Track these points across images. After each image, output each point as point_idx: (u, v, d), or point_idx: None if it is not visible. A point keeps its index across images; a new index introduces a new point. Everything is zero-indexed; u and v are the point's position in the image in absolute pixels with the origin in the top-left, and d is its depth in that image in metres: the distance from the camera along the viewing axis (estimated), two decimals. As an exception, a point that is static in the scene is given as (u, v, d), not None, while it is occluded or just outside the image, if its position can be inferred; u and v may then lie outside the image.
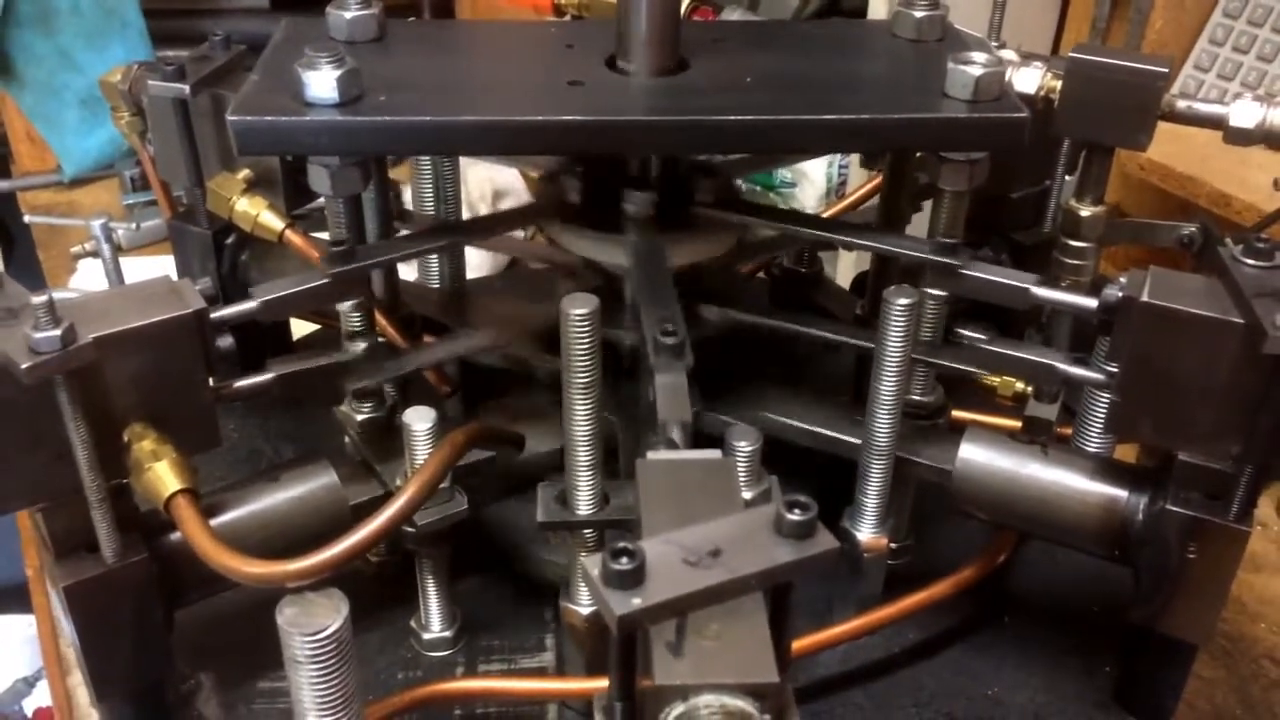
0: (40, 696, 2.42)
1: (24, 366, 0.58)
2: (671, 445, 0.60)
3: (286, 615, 0.58)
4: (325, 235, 0.86)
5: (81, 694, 1.18)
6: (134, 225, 1.55)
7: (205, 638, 0.79)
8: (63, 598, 0.66)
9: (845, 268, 1.30)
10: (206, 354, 0.68)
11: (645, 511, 0.54)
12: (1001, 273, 0.76)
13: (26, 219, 1.70)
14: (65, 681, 1.28)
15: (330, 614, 0.58)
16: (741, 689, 0.45)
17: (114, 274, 1.36)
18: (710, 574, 0.48)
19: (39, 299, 0.59)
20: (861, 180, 1.43)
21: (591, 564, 0.47)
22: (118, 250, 1.60)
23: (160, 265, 1.32)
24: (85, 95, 1.86)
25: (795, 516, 0.49)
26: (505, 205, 1.74)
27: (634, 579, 0.46)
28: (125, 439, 0.66)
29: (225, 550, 0.61)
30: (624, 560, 0.46)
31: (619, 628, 0.46)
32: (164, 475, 0.64)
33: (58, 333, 0.59)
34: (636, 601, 0.46)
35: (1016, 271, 0.76)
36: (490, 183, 1.61)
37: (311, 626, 0.57)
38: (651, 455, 0.57)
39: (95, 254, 1.58)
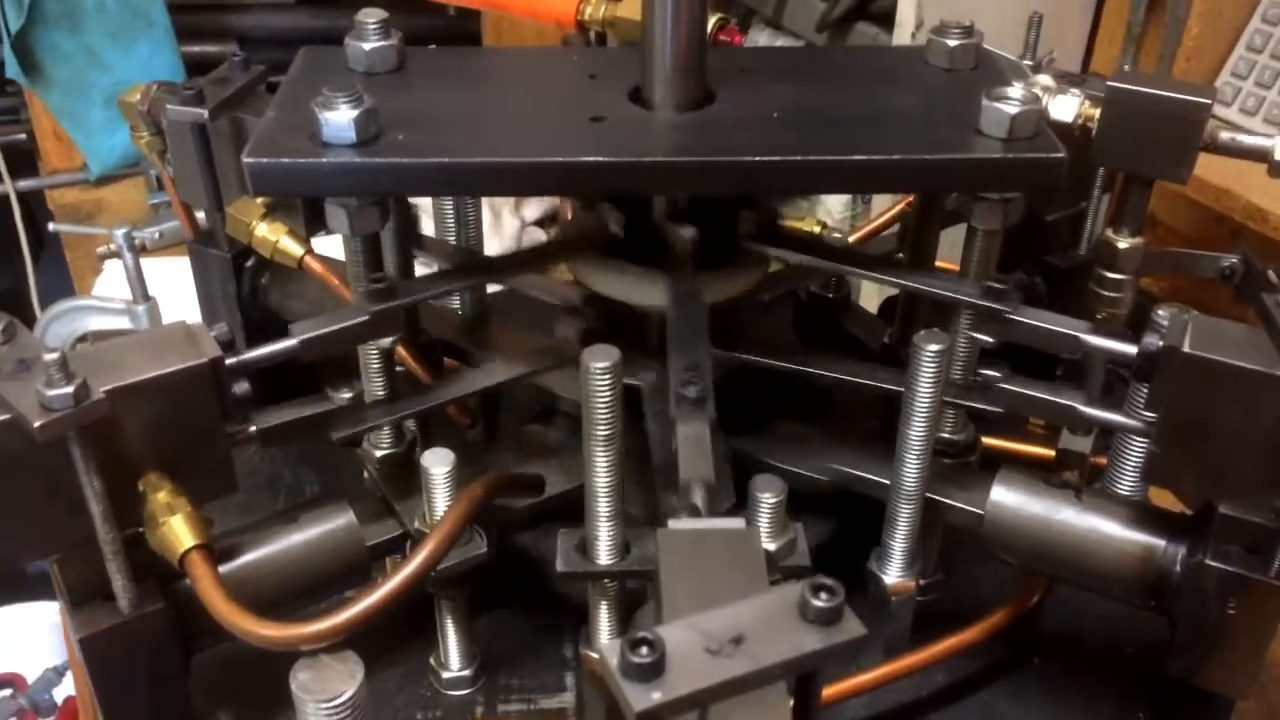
0: (70, 685, 2.44)
1: (37, 425, 0.57)
2: (693, 510, 0.58)
3: (300, 680, 0.57)
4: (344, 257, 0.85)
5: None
6: (157, 232, 1.55)
7: (224, 675, 0.78)
8: (79, 649, 0.66)
9: (871, 288, 1.28)
10: (222, 401, 0.67)
11: (666, 586, 0.53)
12: (1052, 319, 0.73)
13: (52, 227, 1.70)
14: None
15: (345, 679, 0.57)
16: (764, 790, 0.44)
17: (136, 283, 1.37)
18: (733, 664, 0.46)
19: (50, 355, 0.58)
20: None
21: (610, 653, 0.46)
22: (143, 251, 1.60)
23: (181, 266, 1.32)
24: (111, 94, 1.85)
25: (821, 602, 0.47)
26: (528, 209, 1.74)
27: (653, 671, 0.45)
28: (141, 488, 0.65)
29: (239, 611, 0.60)
30: (643, 651, 0.45)
31: (638, 724, 0.44)
32: (178, 530, 0.63)
33: (70, 389, 0.58)
34: (656, 696, 0.44)
35: (1066, 318, 0.73)
36: (514, 187, 1.60)
37: (326, 693, 0.56)
38: (673, 524, 0.55)
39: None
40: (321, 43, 0.87)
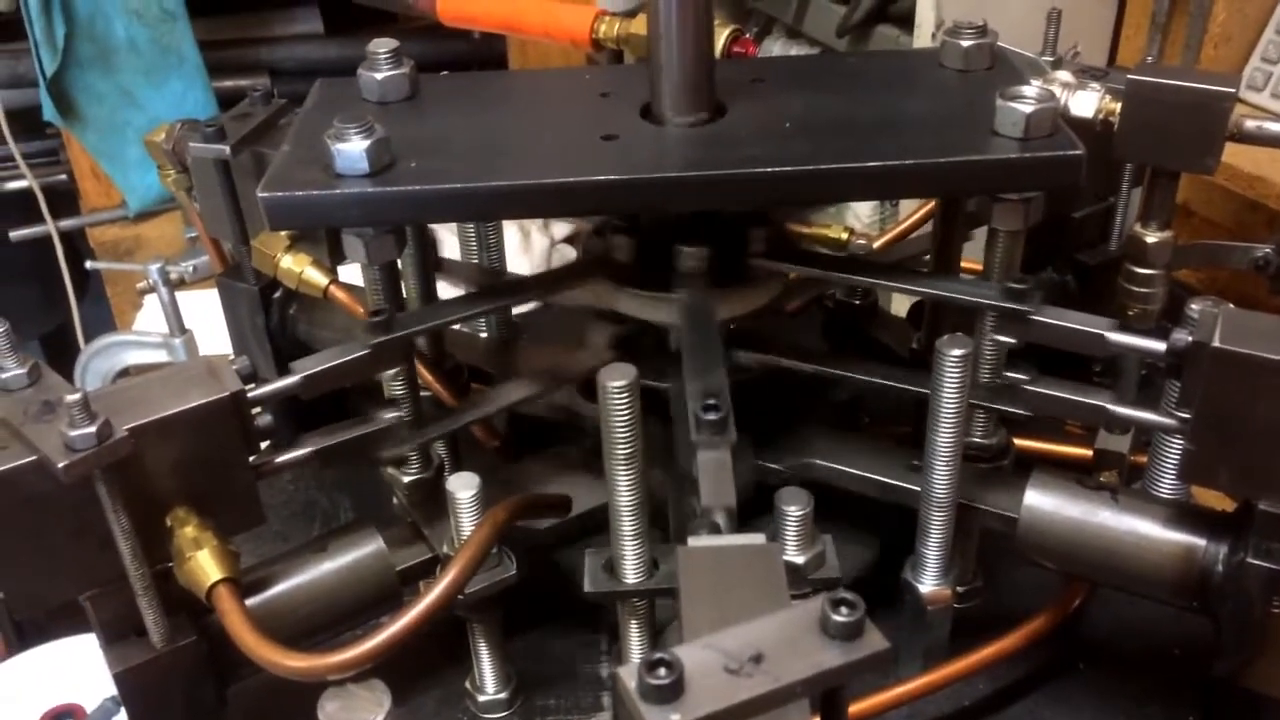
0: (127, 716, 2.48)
1: (61, 466, 0.58)
2: (714, 528, 0.58)
3: (328, 711, 0.57)
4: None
5: None
6: (191, 266, 1.57)
7: (265, 703, 0.78)
8: (115, 684, 0.66)
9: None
10: (246, 434, 0.67)
11: (686, 604, 0.52)
12: (1075, 318, 0.72)
13: (89, 266, 1.73)
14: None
15: (373, 708, 0.57)
16: (787, 813, 0.43)
17: (173, 316, 1.38)
18: (753, 682, 0.45)
19: (73, 396, 0.59)
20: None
21: (628, 675, 0.45)
22: (180, 285, 1.63)
23: (217, 298, 1.33)
24: (146, 131, 1.89)
25: (842, 617, 0.47)
26: (557, 227, 1.74)
27: (672, 692, 0.44)
28: (168, 523, 0.66)
29: (265, 643, 0.61)
30: (662, 673, 0.45)
31: (657, 747, 0.44)
32: (205, 565, 0.64)
33: (93, 429, 0.59)
34: (675, 718, 0.44)
35: (1090, 316, 0.72)
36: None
37: (353, 722, 0.56)
38: (693, 541, 0.55)
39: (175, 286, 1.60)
40: (351, 72, 0.87)
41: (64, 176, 2.04)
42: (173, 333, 1.33)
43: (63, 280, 2.10)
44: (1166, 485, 0.79)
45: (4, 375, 0.64)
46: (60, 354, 2.72)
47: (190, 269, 1.58)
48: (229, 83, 2.03)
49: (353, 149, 0.69)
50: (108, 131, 1.87)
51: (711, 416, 0.61)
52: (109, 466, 0.60)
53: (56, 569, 0.64)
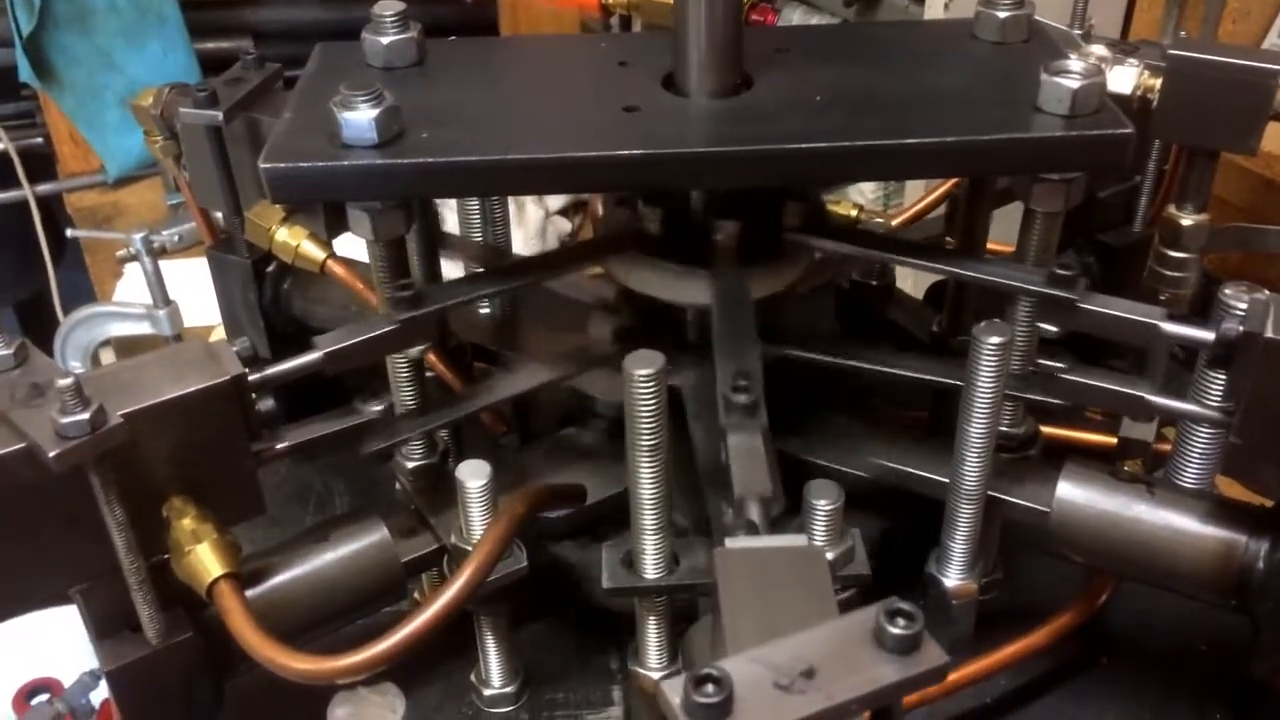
0: (106, 689, 2.44)
1: (52, 455, 0.54)
2: (750, 527, 0.55)
3: (338, 716, 0.54)
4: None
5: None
6: (176, 235, 1.52)
7: (262, 699, 0.75)
8: (108, 681, 0.63)
9: (908, 271, 1.23)
10: (247, 420, 0.63)
11: (727, 611, 0.49)
12: (1124, 306, 0.68)
13: (70, 233, 1.68)
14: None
15: (385, 714, 0.54)
16: (848, 842, 0.40)
17: (157, 287, 1.34)
18: (805, 700, 0.43)
19: (64, 381, 0.55)
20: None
21: (672, 691, 0.42)
22: (162, 254, 1.57)
23: (202, 267, 1.29)
24: (125, 95, 1.83)
25: (899, 629, 0.44)
26: (551, 199, 1.70)
27: (721, 711, 0.42)
28: (165, 514, 0.62)
29: (271, 644, 0.57)
30: (710, 689, 0.42)
31: (705, 772, 0.41)
32: (205, 559, 0.60)
33: (86, 416, 0.55)
34: (724, 739, 0.41)
35: (1140, 305, 0.69)
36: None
37: (366, 730, 0.53)
38: (730, 543, 0.52)
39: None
40: (338, 35, 0.83)
41: (40, 140, 1.98)
42: (156, 304, 1.28)
43: (39, 247, 2.04)
44: (1192, 476, 0.77)
45: (-11, 356, 0.60)
46: (36, 322, 2.66)
47: (175, 237, 1.53)
48: (210, 45, 1.97)
49: (360, 118, 0.65)
50: (85, 94, 1.81)
51: (742, 399, 0.57)
52: (102, 455, 0.56)
53: (46, 562, 0.60)
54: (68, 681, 2.46)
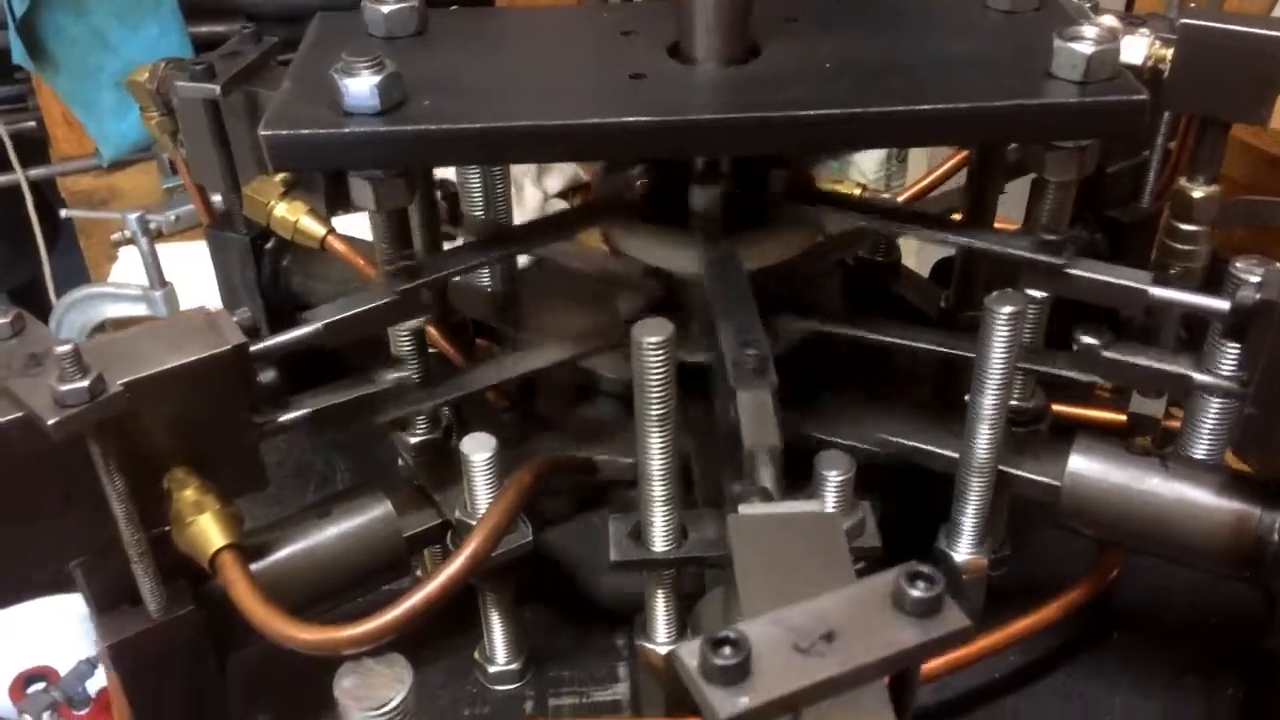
0: (103, 677, 2.44)
1: (51, 423, 0.53)
2: (764, 493, 0.54)
3: (344, 687, 0.53)
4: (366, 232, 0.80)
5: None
6: (173, 216, 1.50)
7: (264, 670, 0.74)
8: (107, 655, 0.62)
9: (914, 246, 1.22)
10: (249, 390, 0.62)
11: (743, 578, 0.48)
12: (1112, 271, 0.69)
13: (64, 214, 1.66)
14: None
15: (392, 684, 0.53)
16: (870, 805, 0.39)
17: (152, 268, 1.33)
18: (825, 663, 0.42)
19: (63, 348, 0.54)
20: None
21: (689, 655, 0.41)
22: (158, 237, 1.56)
23: (200, 250, 1.27)
24: (120, 77, 1.80)
25: (919, 592, 0.43)
26: (550, 180, 1.69)
27: (739, 673, 0.41)
28: (166, 486, 0.61)
29: (276, 615, 0.57)
30: (727, 652, 0.41)
31: (726, 732, 0.40)
32: (207, 530, 0.59)
33: (85, 383, 0.54)
34: (744, 700, 0.40)
35: (1129, 269, 0.69)
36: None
37: (372, 700, 0.53)
38: (744, 509, 0.51)
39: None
40: None
41: (33, 124, 1.96)
42: (153, 285, 1.27)
43: (32, 233, 2.02)
44: (1203, 448, 0.76)
45: (-16, 325, 0.59)
46: (30, 310, 2.64)
47: (172, 218, 1.51)
48: (205, 28, 1.95)
49: (362, 84, 0.64)
50: (80, 76, 1.79)
51: (750, 358, 0.57)
52: (102, 424, 0.55)
53: (44, 536, 0.59)
54: (64, 670, 2.45)
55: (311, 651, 0.57)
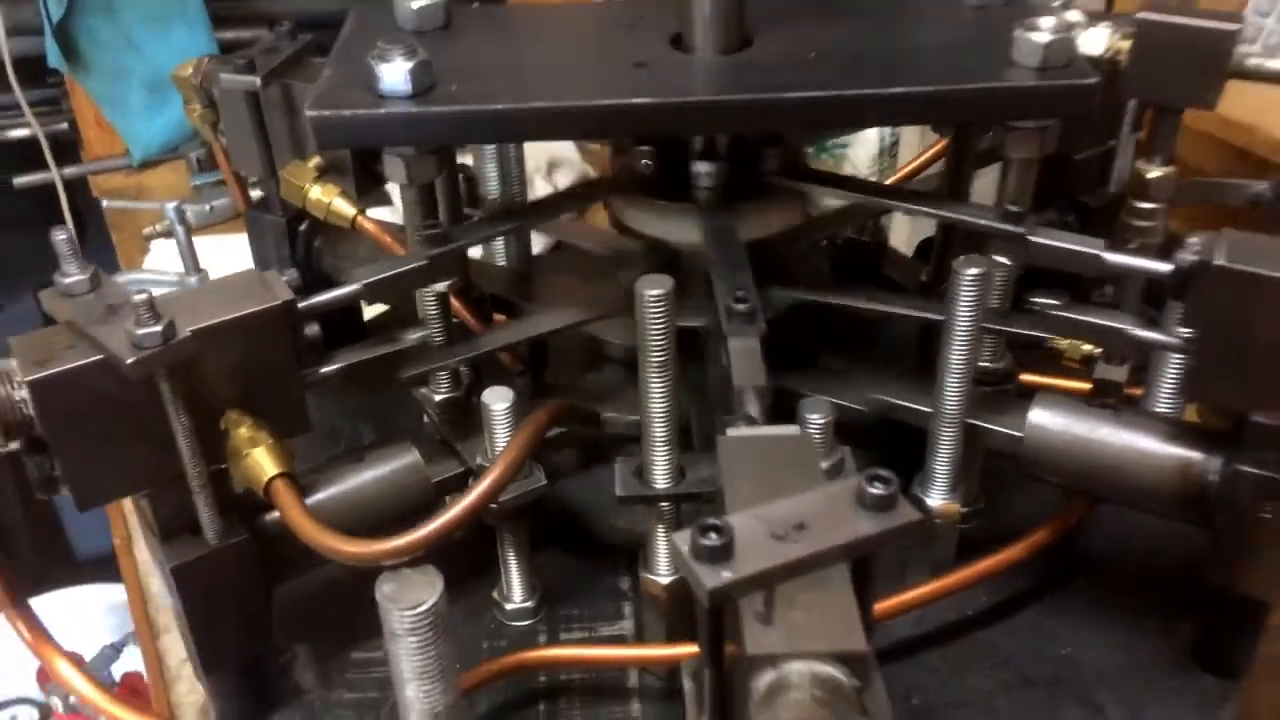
0: (127, 661, 2.52)
1: (129, 362, 0.61)
2: (749, 420, 0.61)
3: (385, 591, 0.60)
4: (392, 219, 0.88)
5: (171, 655, 1.24)
6: (208, 206, 1.59)
7: (298, 612, 0.82)
8: (170, 578, 0.70)
9: (904, 235, 1.30)
10: (295, 342, 0.70)
11: (728, 486, 0.56)
12: (1070, 239, 0.76)
13: (105, 204, 1.75)
14: (156, 644, 1.34)
15: (427, 589, 0.61)
16: (831, 657, 0.47)
17: (188, 255, 1.41)
18: (796, 547, 0.49)
19: (140, 297, 0.62)
20: (915, 139, 1.43)
21: (681, 539, 0.49)
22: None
23: (228, 244, 1.35)
24: (150, 79, 1.89)
25: (877, 490, 0.50)
26: (560, 176, 1.76)
27: (723, 553, 0.48)
28: (222, 426, 0.69)
29: (325, 531, 0.64)
30: (713, 536, 0.48)
31: (710, 600, 0.47)
32: (262, 460, 0.67)
33: (159, 328, 0.62)
34: (726, 575, 0.48)
35: (1086, 237, 0.76)
36: (546, 154, 1.63)
37: (409, 601, 0.60)
38: (731, 432, 0.59)
39: (166, 235, 1.63)
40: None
41: (65, 126, 2.04)
42: (188, 271, 1.35)
43: (67, 228, 2.11)
44: (1165, 403, 0.84)
45: (67, 280, 0.67)
46: (55, 307, 2.72)
47: (207, 209, 1.60)
48: (230, 34, 2.03)
49: (396, 71, 0.72)
50: (111, 78, 1.88)
51: (741, 308, 0.64)
52: (173, 367, 0.63)
53: (116, 468, 0.67)
54: (89, 657, 2.53)
55: (354, 562, 0.64)
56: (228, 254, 1.47)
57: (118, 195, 1.91)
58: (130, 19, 1.83)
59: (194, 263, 1.35)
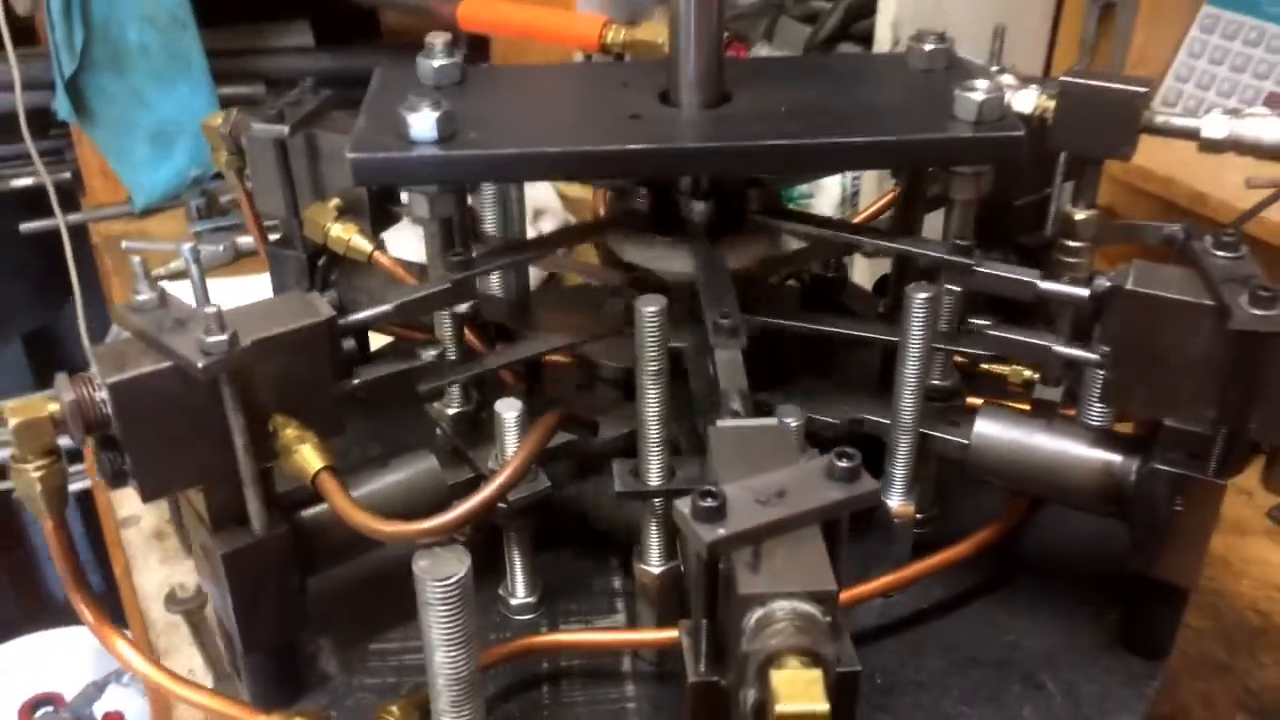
0: (109, 700, 2.57)
1: (200, 366, 0.71)
2: (735, 414, 0.72)
3: (421, 566, 0.70)
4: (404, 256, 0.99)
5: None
6: (219, 248, 1.68)
7: (322, 608, 0.91)
8: (220, 565, 0.79)
9: (865, 275, 1.43)
10: (334, 355, 0.80)
11: (719, 466, 0.67)
12: (1009, 269, 0.88)
13: (124, 244, 1.84)
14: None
15: (456, 564, 0.70)
16: (808, 595, 0.57)
17: (202, 295, 1.50)
18: (777, 510, 0.60)
19: (209, 310, 0.72)
20: (872, 189, 1.57)
21: (683, 504, 0.59)
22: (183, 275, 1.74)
23: (224, 286, 1.43)
24: (154, 131, 2.00)
25: (844, 464, 0.61)
26: (545, 222, 1.88)
27: (718, 514, 0.59)
28: (270, 427, 0.78)
29: (367, 515, 0.74)
30: (709, 500, 0.59)
31: (708, 552, 0.58)
32: (309, 455, 0.76)
33: (225, 337, 0.72)
34: (721, 531, 0.58)
35: (1023, 268, 0.88)
36: (531, 203, 1.75)
37: (441, 573, 0.69)
38: (721, 423, 0.69)
39: (173, 277, 1.72)
40: (341, 84, 1.03)
41: (68, 175, 2.14)
42: (200, 308, 1.44)
43: (54, 277, 2.19)
44: (1095, 415, 0.95)
45: (140, 298, 0.76)
46: (44, 356, 2.79)
47: (220, 249, 1.69)
48: (229, 90, 2.15)
49: (424, 120, 0.83)
50: (118, 130, 1.98)
51: (726, 323, 0.75)
52: (235, 372, 0.73)
53: (179, 463, 0.76)
54: (69, 696, 2.59)
55: (393, 540, 0.74)
56: (223, 296, 1.56)
57: (120, 241, 2.00)
58: (138, 76, 1.94)
59: (206, 299, 1.44)
